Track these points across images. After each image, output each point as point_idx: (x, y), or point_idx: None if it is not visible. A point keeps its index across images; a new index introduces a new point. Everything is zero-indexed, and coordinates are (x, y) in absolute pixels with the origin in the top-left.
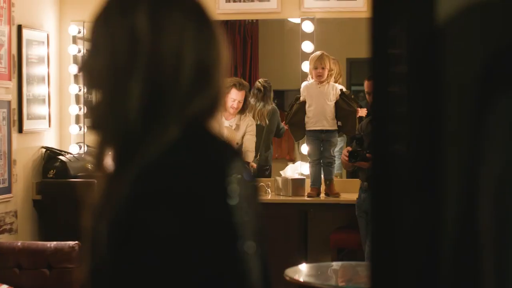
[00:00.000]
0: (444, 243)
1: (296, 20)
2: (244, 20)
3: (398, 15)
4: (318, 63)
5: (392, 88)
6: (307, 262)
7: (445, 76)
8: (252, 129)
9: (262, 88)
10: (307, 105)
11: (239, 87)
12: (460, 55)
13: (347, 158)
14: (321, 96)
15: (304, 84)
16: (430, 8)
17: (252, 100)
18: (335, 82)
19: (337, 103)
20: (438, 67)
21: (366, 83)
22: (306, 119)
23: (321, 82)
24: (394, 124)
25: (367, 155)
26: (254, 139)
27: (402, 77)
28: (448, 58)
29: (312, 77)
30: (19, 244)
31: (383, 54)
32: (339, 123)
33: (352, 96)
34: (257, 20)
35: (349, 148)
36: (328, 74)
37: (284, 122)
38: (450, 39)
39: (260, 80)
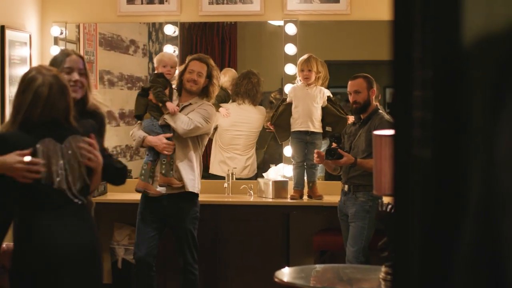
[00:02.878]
0: (463, 250)
1: (279, 23)
2: (223, 22)
3: (422, 19)
4: (305, 65)
5: (416, 92)
6: (289, 264)
7: (467, 81)
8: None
9: (274, 101)
10: (293, 106)
11: (201, 59)
12: (481, 61)
13: (318, 159)
14: (307, 97)
15: (291, 86)
16: (455, 19)
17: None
18: (322, 84)
19: (326, 109)
20: (461, 74)
21: (349, 82)
22: (291, 120)
23: (308, 85)
24: (416, 128)
25: (339, 151)
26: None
27: (426, 81)
28: (470, 65)
29: (300, 80)
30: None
31: (406, 58)
32: (329, 128)
33: (339, 103)
34: (235, 22)
35: (318, 150)
36: (316, 77)
37: (269, 123)
38: (473, 49)
39: (272, 94)
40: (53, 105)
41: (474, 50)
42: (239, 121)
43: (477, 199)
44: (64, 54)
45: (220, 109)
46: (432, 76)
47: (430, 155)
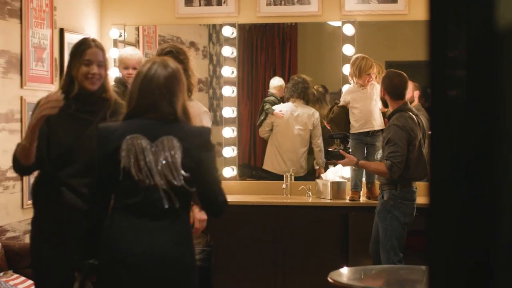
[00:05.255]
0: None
1: (337, 23)
2: (283, 23)
3: (457, 17)
4: (371, 69)
5: (451, 92)
6: (348, 265)
7: (503, 81)
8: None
9: (316, 93)
10: (352, 109)
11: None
12: None
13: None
14: (365, 98)
15: (345, 88)
16: (489, 13)
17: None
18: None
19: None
20: (496, 71)
21: None
22: (352, 123)
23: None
24: (452, 125)
25: (341, 152)
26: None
27: (461, 80)
28: (507, 62)
29: (357, 82)
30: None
31: (442, 57)
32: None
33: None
34: (296, 23)
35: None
36: None
37: (326, 122)
38: (509, 44)
39: (314, 87)
40: (152, 90)
41: (509, 48)
42: (293, 120)
43: None
44: (86, 45)
45: (275, 112)
46: (467, 75)
47: (467, 156)
